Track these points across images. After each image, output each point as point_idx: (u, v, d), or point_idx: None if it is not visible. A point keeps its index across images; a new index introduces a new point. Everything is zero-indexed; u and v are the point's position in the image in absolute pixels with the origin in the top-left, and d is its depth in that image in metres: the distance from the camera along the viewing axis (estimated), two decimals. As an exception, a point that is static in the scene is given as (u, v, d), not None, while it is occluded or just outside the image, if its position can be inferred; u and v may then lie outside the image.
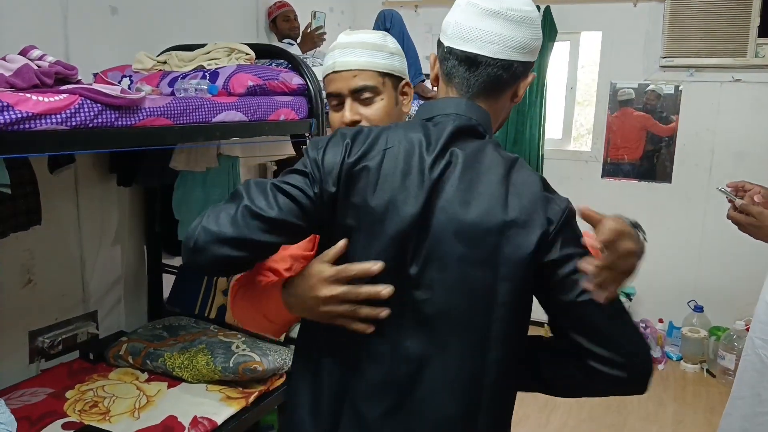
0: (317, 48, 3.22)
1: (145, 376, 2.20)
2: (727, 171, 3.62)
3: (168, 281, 2.80)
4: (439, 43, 1.07)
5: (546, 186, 1.00)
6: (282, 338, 2.29)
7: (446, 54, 1.05)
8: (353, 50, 1.28)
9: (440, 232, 0.96)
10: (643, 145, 3.89)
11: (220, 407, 2.01)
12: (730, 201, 1.58)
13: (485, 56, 1.01)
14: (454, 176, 0.97)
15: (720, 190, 1.62)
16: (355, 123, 1.25)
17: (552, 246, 0.96)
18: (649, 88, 3.82)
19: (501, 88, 1.05)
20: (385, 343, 1.00)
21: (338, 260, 0.99)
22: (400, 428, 1.00)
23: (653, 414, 3.11)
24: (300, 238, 1.05)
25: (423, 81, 3.38)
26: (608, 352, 0.97)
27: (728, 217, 1.58)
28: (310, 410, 1.06)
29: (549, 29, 3.89)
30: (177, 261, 2.84)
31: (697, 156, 3.76)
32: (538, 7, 3.85)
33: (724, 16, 3.53)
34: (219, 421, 1.96)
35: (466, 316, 0.97)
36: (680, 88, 3.74)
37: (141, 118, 1.59)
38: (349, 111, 1.26)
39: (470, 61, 1.02)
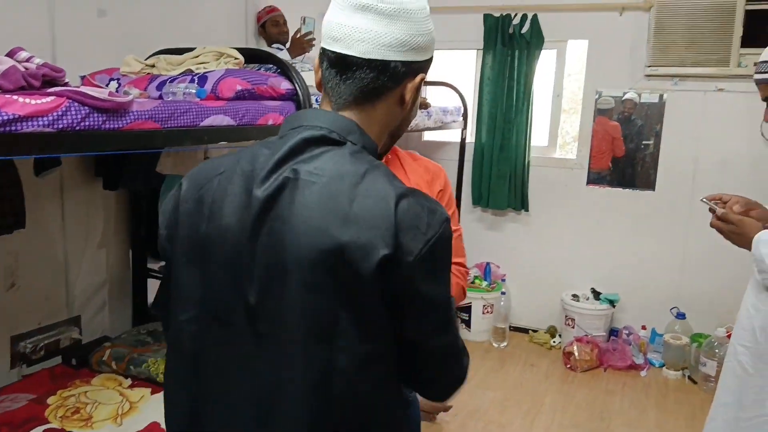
0: (306, 53, 3.23)
1: (129, 381, 2.18)
2: (710, 179, 3.67)
3: (153, 286, 2.78)
4: None
5: (404, 201, 0.84)
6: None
7: (320, 56, 0.96)
8: None
9: (274, 257, 0.85)
10: (611, 155, 3.95)
11: (205, 413, 2.00)
12: (711, 211, 1.63)
13: (354, 57, 0.90)
14: (292, 193, 0.85)
15: (702, 201, 1.68)
16: None
17: (408, 281, 0.84)
18: (626, 96, 3.87)
19: (377, 93, 0.93)
20: (226, 387, 0.90)
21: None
22: None
23: (635, 420, 3.14)
24: None
25: None
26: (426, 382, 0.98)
27: (711, 225, 1.63)
28: None
29: (536, 37, 3.93)
30: (162, 265, 2.81)
31: (680, 164, 3.81)
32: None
33: (708, 26, 3.58)
34: (203, 426, 1.95)
35: (308, 350, 0.85)
36: (665, 96, 3.79)
37: (128, 121, 1.58)
38: None
39: (341, 63, 0.92)
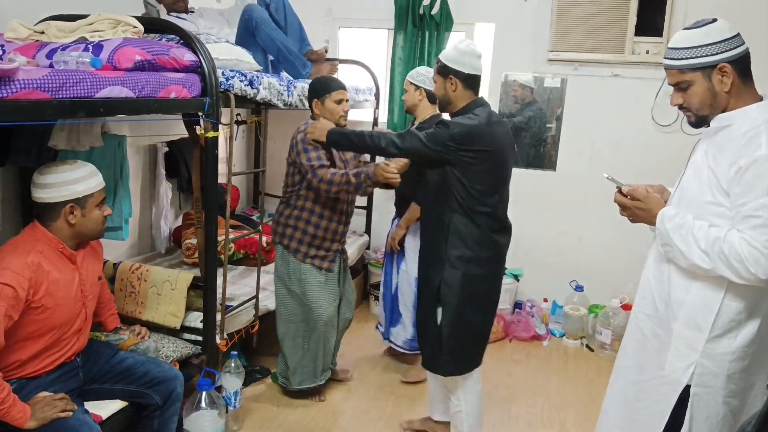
0: (191, 11, 3.09)
1: None
2: (606, 159, 3.90)
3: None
4: None
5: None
6: None
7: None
8: None
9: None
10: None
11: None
12: (617, 187, 1.71)
13: None
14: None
15: (606, 177, 1.76)
16: None
17: None
18: (521, 81, 4.04)
19: None
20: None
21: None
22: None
23: (539, 387, 3.31)
24: None
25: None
26: None
27: (615, 201, 1.71)
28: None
29: (445, 19, 3.99)
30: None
31: (579, 146, 4.01)
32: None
33: (605, 14, 3.77)
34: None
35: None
36: (566, 80, 3.97)
37: (14, 90, 1.48)
38: None
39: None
